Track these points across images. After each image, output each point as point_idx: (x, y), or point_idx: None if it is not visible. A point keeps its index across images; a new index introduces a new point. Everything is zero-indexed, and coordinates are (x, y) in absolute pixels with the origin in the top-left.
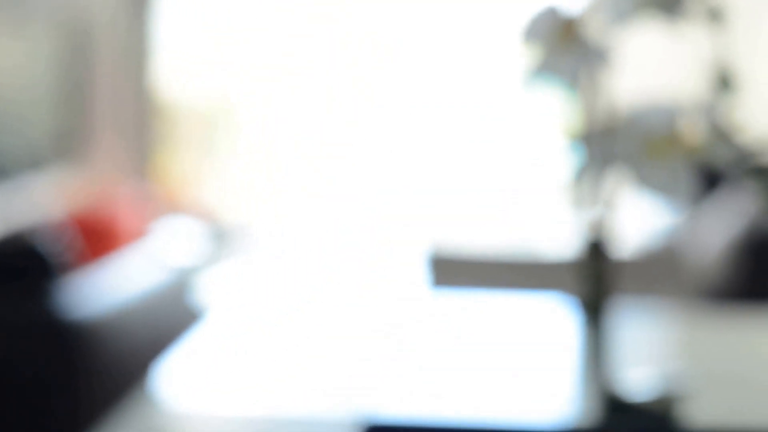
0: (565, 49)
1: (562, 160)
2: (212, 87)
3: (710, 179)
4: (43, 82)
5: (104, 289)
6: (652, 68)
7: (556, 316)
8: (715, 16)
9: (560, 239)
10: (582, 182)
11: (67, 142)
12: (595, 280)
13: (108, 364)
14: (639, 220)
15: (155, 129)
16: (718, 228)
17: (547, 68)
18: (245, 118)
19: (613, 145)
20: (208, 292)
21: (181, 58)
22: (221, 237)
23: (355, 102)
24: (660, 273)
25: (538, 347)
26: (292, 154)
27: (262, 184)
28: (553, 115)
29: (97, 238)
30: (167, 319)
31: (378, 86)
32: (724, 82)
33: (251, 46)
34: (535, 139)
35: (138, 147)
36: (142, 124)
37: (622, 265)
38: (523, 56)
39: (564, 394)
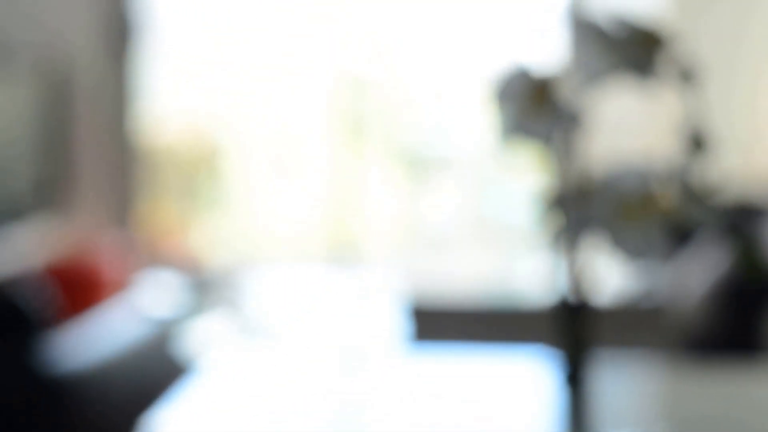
0: (538, 110)
1: (538, 216)
2: (195, 132)
3: (686, 231)
4: (24, 130)
5: (86, 344)
6: (626, 130)
7: (536, 373)
8: (686, 77)
9: (540, 287)
10: (558, 243)
11: (48, 191)
12: (573, 336)
13: (92, 420)
14: (617, 271)
15: (138, 177)
16: (697, 277)
17: (519, 129)
18: (229, 165)
19: (587, 207)
20: (192, 344)
21: (164, 105)
22: (205, 286)
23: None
24: (639, 323)
25: (517, 407)
26: (276, 201)
27: (247, 231)
28: (528, 171)
29: (79, 288)
30: (151, 373)
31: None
32: (697, 144)
33: (234, 92)
34: (514, 187)
35: (120, 195)
36: (124, 172)
37: (600, 317)
38: (495, 116)
39: None
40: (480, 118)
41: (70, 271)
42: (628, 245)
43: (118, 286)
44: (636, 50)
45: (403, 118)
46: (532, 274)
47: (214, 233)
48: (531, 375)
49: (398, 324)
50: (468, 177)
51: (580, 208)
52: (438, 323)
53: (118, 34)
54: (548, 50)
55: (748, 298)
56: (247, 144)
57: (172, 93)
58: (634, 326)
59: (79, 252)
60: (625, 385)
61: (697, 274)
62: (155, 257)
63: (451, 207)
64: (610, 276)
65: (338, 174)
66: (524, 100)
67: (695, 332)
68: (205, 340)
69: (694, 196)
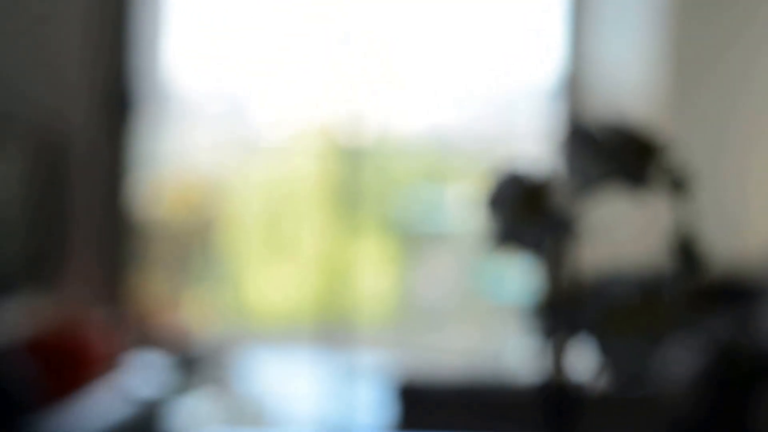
0: (530, 217)
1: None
2: (189, 205)
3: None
4: (16, 202)
5: (72, 425)
6: (618, 237)
7: None
8: (678, 186)
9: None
10: (545, 349)
11: (38, 265)
12: (559, 424)
13: None
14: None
15: (130, 250)
16: (685, 362)
17: (511, 237)
18: (222, 238)
19: (576, 314)
20: (180, 425)
21: (159, 176)
22: (194, 364)
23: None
24: (627, 410)
25: None
26: (268, 275)
27: (239, 306)
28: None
29: (66, 366)
30: None
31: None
32: (688, 253)
33: (228, 164)
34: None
35: (112, 269)
36: (116, 246)
37: (587, 405)
38: (486, 223)
39: None
40: (473, 195)
41: (57, 347)
42: (616, 355)
43: (106, 363)
44: (629, 159)
45: (396, 193)
46: (523, 353)
47: (205, 308)
48: None
49: (384, 407)
50: (461, 253)
51: (569, 315)
52: (427, 401)
53: (113, 107)
54: (540, 156)
55: (737, 383)
56: (240, 217)
57: (168, 164)
58: (621, 413)
59: (67, 328)
60: None
61: (685, 359)
62: (145, 333)
63: (443, 283)
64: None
65: (331, 248)
66: (516, 207)
67: (684, 418)
68: (192, 420)
69: (684, 304)
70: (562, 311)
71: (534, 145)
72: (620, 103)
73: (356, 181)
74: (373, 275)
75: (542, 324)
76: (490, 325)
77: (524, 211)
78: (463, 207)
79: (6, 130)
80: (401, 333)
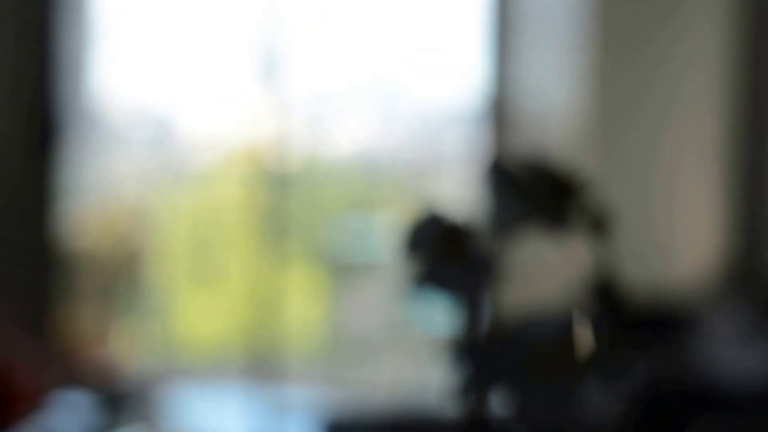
0: (450, 260)
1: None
2: (115, 236)
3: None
4: None
5: None
6: (539, 277)
7: None
8: (598, 225)
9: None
10: (468, 390)
11: None
12: None
13: None
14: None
15: (55, 283)
16: (607, 403)
17: (431, 279)
18: (148, 269)
19: (497, 357)
20: None
21: (84, 205)
22: (121, 401)
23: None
24: None
25: None
26: (195, 306)
27: (166, 338)
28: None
29: None
30: None
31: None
32: (607, 294)
33: (154, 193)
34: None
35: (36, 302)
36: (41, 278)
37: None
38: (405, 266)
39: None
40: (399, 225)
41: None
42: (536, 398)
43: (30, 401)
44: (547, 198)
45: (324, 221)
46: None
47: (132, 341)
48: None
49: None
50: (390, 282)
51: (490, 358)
52: None
53: (37, 133)
54: (464, 184)
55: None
56: (167, 247)
57: (93, 192)
58: None
59: None
60: None
61: (607, 401)
62: (70, 369)
63: (373, 313)
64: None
65: (259, 277)
66: (435, 249)
67: None
68: None
69: (604, 345)
70: (482, 353)
71: (459, 171)
72: (544, 128)
73: (284, 208)
74: (302, 305)
75: (463, 366)
76: (420, 356)
77: (444, 253)
78: (391, 236)
79: None
80: (331, 365)
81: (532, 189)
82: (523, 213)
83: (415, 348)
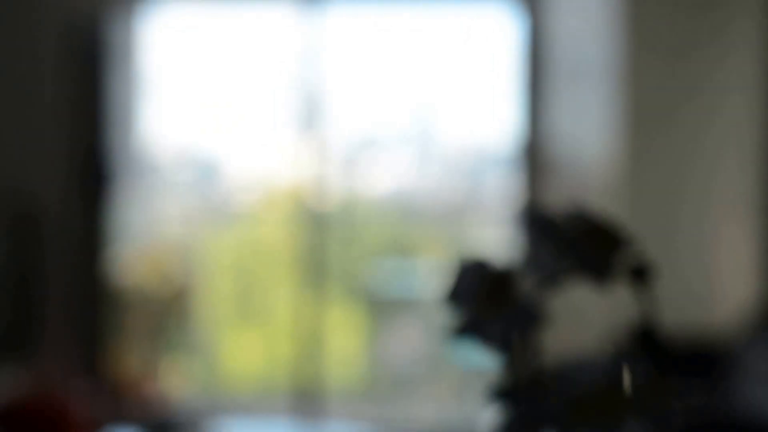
0: (495, 309)
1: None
2: (164, 274)
3: None
4: None
5: None
6: (582, 323)
7: None
8: (640, 276)
9: None
10: None
11: (15, 336)
12: None
13: None
14: None
15: (105, 322)
16: None
17: (475, 329)
18: (196, 306)
19: (541, 401)
20: None
21: (133, 247)
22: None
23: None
24: None
25: None
26: (241, 342)
27: (213, 374)
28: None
29: None
30: None
31: None
32: (649, 337)
33: (201, 232)
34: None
35: (88, 340)
36: (92, 317)
37: None
38: (448, 315)
39: None
40: (438, 264)
41: (33, 419)
42: None
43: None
44: (591, 250)
45: (364, 259)
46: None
47: (179, 377)
48: None
49: None
50: (429, 319)
51: (532, 403)
52: None
53: (89, 178)
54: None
55: None
56: (212, 285)
57: (141, 233)
58: None
59: (43, 400)
60: None
61: None
62: (121, 404)
63: (413, 349)
64: None
65: (301, 314)
66: (478, 300)
67: None
68: None
69: (645, 392)
70: (526, 397)
71: (494, 213)
72: (577, 173)
73: (324, 247)
74: (343, 341)
75: (507, 410)
76: (461, 391)
77: (487, 303)
78: (429, 275)
79: None
80: (371, 401)
81: (574, 238)
82: (567, 264)
83: (456, 383)
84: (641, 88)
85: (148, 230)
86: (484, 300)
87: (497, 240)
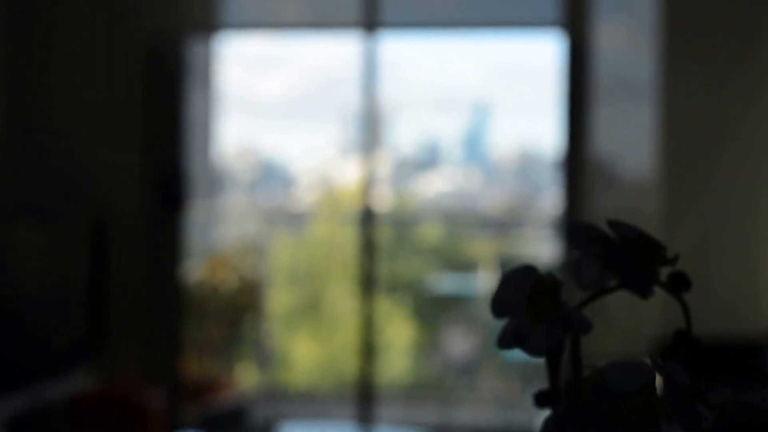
0: (539, 315)
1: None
2: (238, 279)
3: None
4: (74, 281)
5: None
6: (616, 328)
7: None
8: (678, 285)
9: None
10: None
11: (91, 342)
12: None
13: None
14: None
15: (182, 329)
16: None
17: (519, 335)
18: (264, 311)
19: (584, 404)
20: None
21: (207, 254)
22: None
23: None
24: None
25: None
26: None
27: (280, 377)
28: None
29: None
30: None
31: None
32: (686, 342)
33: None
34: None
35: (165, 344)
36: (168, 324)
37: None
38: (497, 321)
39: None
40: (493, 274)
41: (104, 410)
42: None
43: None
44: (634, 261)
45: (420, 257)
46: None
47: (249, 381)
48: None
49: None
50: (483, 315)
51: (574, 407)
52: None
53: (163, 185)
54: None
55: None
56: (280, 289)
57: (214, 241)
58: None
59: (118, 406)
60: None
61: None
62: (197, 408)
63: (467, 344)
64: None
65: (361, 315)
66: (528, 304)
67: None
68: None
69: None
70: (568, 403)
71: (540, 223)
72: (618, 186)
73: (380, 247)
74: (399, 340)
75: (550, 415)
76: (513, 390)
77: (532, 310)
78: (482, 275)
79: (65, 212)
80: (424, 398)
81: (617, 249)
82: (609, 272)
83: (509, 377)
84: (678, 101)
85: (222, 237)
86: (529, 306)
87: (544, 247)
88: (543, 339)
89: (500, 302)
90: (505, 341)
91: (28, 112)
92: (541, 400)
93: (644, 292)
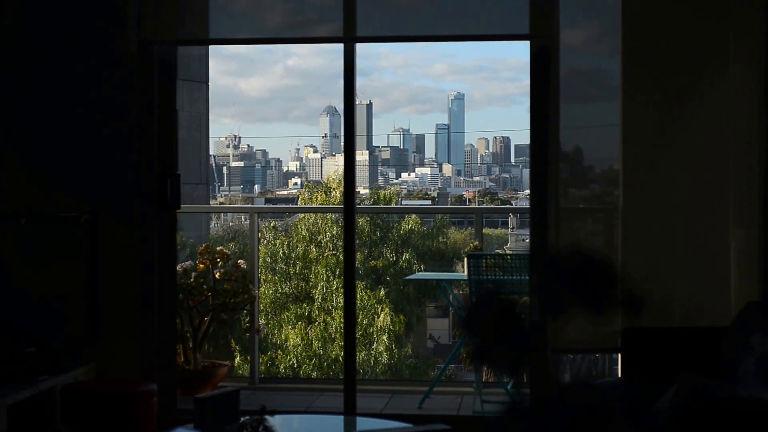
0: (503, 336)
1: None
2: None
3: None
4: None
5: None
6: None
7: None
8: (633, 308)
9: None
10: None
11: (87, 337)
12: None
13: None
14: None
15: (176, 321)
16: None
17: (487, 355)
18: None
19: (547, 420)
20: None
21: (200, 246)
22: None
23: None
24: None
25: None
26: None
27: (273, 364)
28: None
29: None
30: None
31: None
32: (641, 357)
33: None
34: None
35: (158, 340)
36: (162, 317)
37: None
38: (465, 341)
39: None
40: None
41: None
42: None
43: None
44: (590, 285)
45: (411, 245)
46: None
47: (242, 370)
48: None
49: None
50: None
51: (539, 422)
52: None
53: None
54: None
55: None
56: (271, 276)
57: (207, 230)
58: None
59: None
60: None
61: None
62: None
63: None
64: None
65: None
66: (492, 326)
67: None
68: None
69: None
70: (534, 419)
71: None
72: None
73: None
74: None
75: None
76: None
77: (497, 331)
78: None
79: (67, 212)
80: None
81: (575, 275)
82: (568, 296)
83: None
84: (639, 98)
85: (212, 228)
86: (494, 328)
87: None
88: (506, 356)
89: (471, 323)
90: (477, 359)
91: (25, 111)
92: (508, 413)
93: (602, 314)
